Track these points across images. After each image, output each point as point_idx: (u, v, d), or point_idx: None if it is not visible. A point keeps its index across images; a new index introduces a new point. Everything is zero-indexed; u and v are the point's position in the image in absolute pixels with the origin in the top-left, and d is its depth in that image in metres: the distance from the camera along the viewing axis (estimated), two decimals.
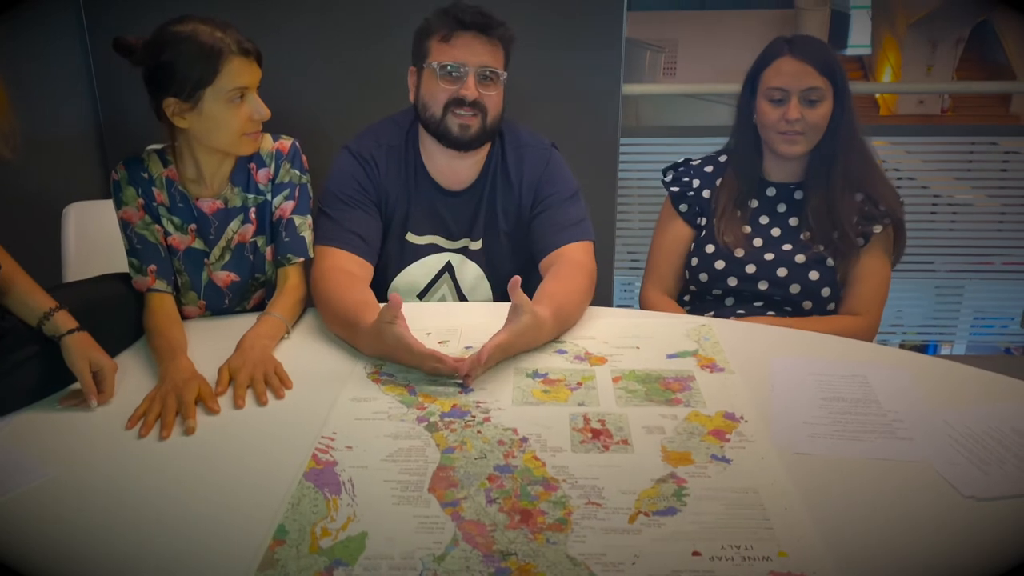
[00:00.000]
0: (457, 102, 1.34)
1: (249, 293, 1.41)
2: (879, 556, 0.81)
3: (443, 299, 1.52)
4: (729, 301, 1.50)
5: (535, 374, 1.17)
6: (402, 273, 1.49)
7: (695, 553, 0.81)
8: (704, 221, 1.52)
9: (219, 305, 1.39)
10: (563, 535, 0.84)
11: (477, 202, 1.47)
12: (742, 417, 1.06)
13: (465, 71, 1.34)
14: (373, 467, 0.96)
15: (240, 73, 1.21)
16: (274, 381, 1.14)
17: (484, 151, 1.44)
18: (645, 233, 2.60)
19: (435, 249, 1.49)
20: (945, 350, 3.64)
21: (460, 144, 1.37)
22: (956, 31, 6.61)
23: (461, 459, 0.97)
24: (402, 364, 1.17)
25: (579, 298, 1.33)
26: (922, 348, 3.38)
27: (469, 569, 0.79)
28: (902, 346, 2.91)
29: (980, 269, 2.74)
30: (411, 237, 1.47)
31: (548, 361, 1.22)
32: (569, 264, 1.37)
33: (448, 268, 1.50)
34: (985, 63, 6.79)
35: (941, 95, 6.72)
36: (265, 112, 1.25)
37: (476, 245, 1.50)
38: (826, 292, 1.46)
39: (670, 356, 1.23)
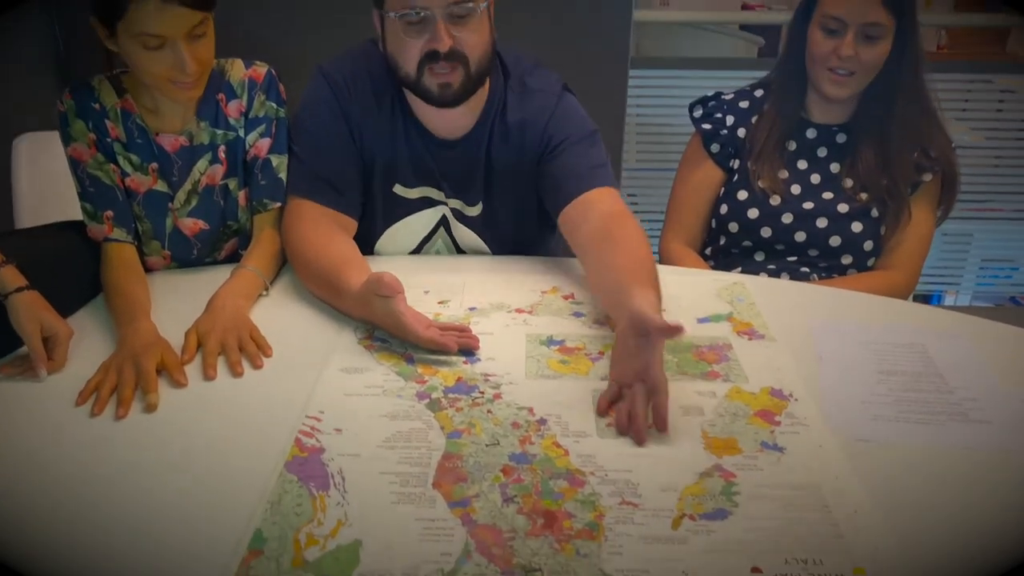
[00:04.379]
0: (431, 56, 1.07)
1: (220, 243, 1.24)
2: (969, 571, 0.68)
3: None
4: (759, 256, 1.35)
5: (550, 341, 1.03)
6: (390, 230, 1.28)
7: (755, 570, 0.68)
8: (737, 164, 1.36)
9: (186, 256, 1.23)
10: (596, 544, 0.70)
11: (474, 156, 1.21)
12: (791, 395, 0.92)
13: (429, 14, 1.04)
14: (367, 455, 0.81)
15: (155, 21, 1.00)
16: (250, 347, 0.99)
17: (481, 95, 1.18)
18: (645, 174, 2.45)
19: (428, 203, 1.26)
20: (949, 299, 3.54)
21: (445, 103, 1.12)
22: None
23: (470, 446, 0.83)
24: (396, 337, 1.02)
25: (652, 260, 1.05)
26: (926, 298, 3.28)
27: None
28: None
29: (987, 217, 2.62)
30: (400, 190, 1.24)
31: (564, 325, 1.07)
32: (612, 220, 1.10)
33: (444, 223, 1.28)
34: None
35: (938, 30, 6.49)
36: (190, 67, 1.04)
37: (474, 211, 1.26)
38: (868, 246, 1.31)
39: (701, 320, 1.09)
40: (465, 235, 1.28)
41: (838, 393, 0.93)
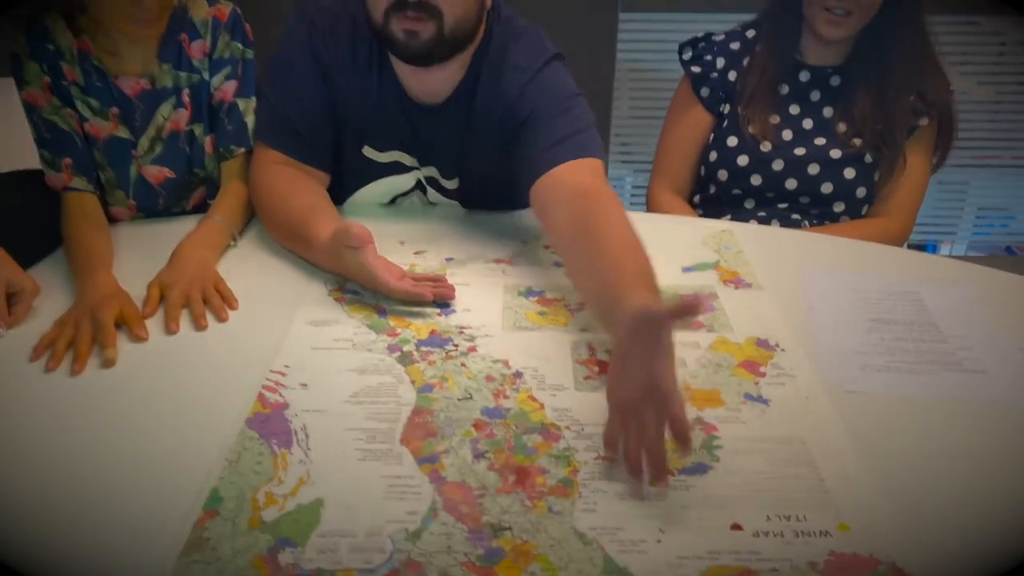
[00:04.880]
0: (399, 4, 0.96)
1: (187, 192, 1.19)
2: (958, 527, 0.65)
3: None
4: (749, 203, 1.31)
5: (528, 292, 0.99)
6: (361, 191, 1.18)
7: (735, 527, 0.65)
8: (727, 109, 1.30)
9: (152, 206, 1.18)
10: (569, 502, 0.67)
11: (451, 126, 1.10)
12: (777, 345, 0.88)
13: None
14: (333, 411, 0.78)
15: None
16: (215, 300, 0.94)
17: (463, 60, 1.06)
18: (638, 122, 2.39)
19: (400, 169, 1.17)
20: (945, 249, 3.51)
21: (411, 57, 1.01)
22: None
23: (441, 400, 0.79)
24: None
25: (644, 254, 0.86)
26: (921, 247, 3.25)
27: (451, 550, 0.62)
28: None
29: (983, 165, 2.57)
30: (369, 152, 1.14)
31: (543, 276, 1.02)
32: (586, 206, 0.93)
33: (420, 187, 1.19)
34: None
35: None
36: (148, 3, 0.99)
37: (451, 184, 1.18)
38: (862, 192, 1.27)
39: (687, 269, 1.05)
40: (442, 203, 1.21)
41: (828, 343, 0.89)
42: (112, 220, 1.14)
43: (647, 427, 0.67)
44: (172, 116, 1.12)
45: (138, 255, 1.05)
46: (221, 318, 0.93)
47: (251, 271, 1.03)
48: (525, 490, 0.68)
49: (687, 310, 0.67)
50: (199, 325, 0.91)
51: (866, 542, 0.63)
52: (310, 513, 0.66)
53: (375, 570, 0.61)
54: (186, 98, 1.12)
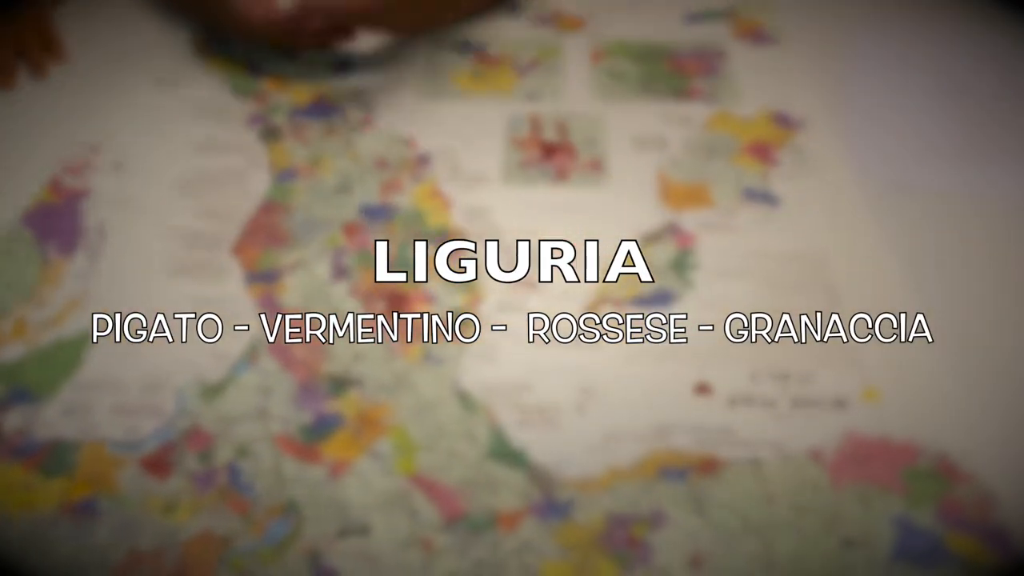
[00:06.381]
0: None
1: None
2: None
3: None
4: None
5: (465, 46, 0.71)
6: None
7: (701, 388, 0.42)
8: None
9: None
10: (456, 348, 0.45)
11: None
12: (801, 122, 0.62)
13: None
14: (149, 203, 0.55)
15: None
16: (33, 53, 0.69)
17: None
18: None
19: None
20: None
21: None
22: None
23: (306, 193, 0.55)
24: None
25: None
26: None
27: (263, 415, 0.41)
28: None
29: None
30: None
31: (492, 26, 0.74)
32: None
33: None
34: None
35: None
36: None
37: None
38: None
39: (691, 19, 0.75)
40: None
41: (873, 121, 0.62)
42: None
43: None
44: None
45: None
46: (38, 74, 0.67)
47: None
48: (396, 326, 0.46)
49: None
50: (4, 86, 0.66)
51: (904, 419, 0.41)
52: (68, 353, 0.44)
53: (139, 443, 0.40)
54: None
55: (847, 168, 0.58)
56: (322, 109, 0.63)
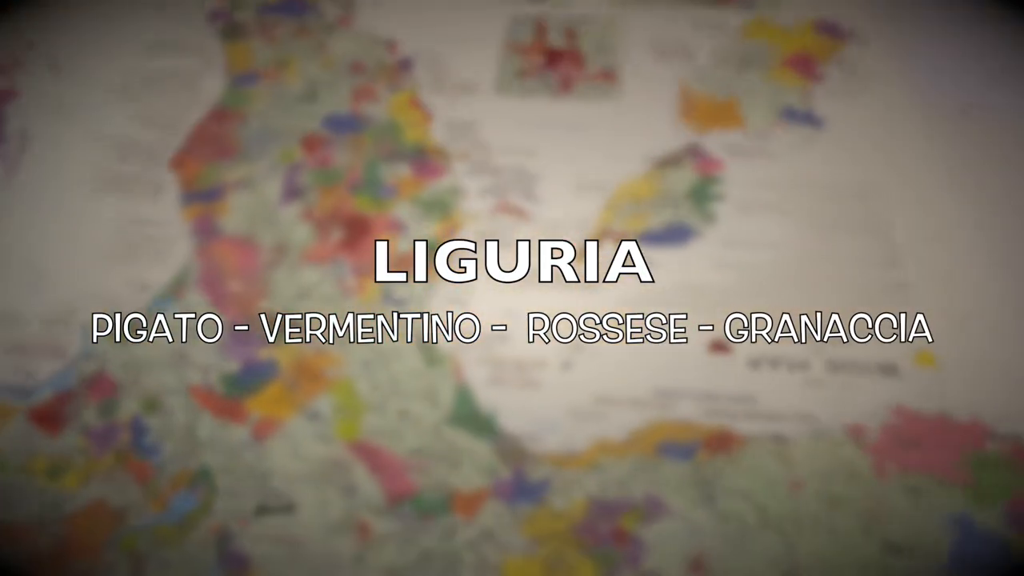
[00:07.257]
0: None
1: None
2: None
3: None
4: None
5: None
6: None
7: (716, 347, 0.35)
8: None
9: None
10: (424, 287, 0.37)
11: None
12: (852, 32, 0.52)
13: None
14: (83, 107, 0.47)
15: None
16: None
17: None
18: None
19: None
20: None
21: None
22: None
23: (265, 98, 0.47)
24: None
25: None
26: None
27: (182, 361, 0.34)
28: None
29: None
30: None
31: None
32: None
33: None
34: None
35: None
36: None
37: None
38: None
39: None
40: None
41: (936, 34, 0.53)
42: None
43: None
44: None
45: None
46: None
47: None
48: (353, 259, 0.38)
49: None
50: None
51: (966, 393, 0.33)
52: None
53: (31, 391, 0.33)
54: None
55: (904, 87, 0.48)
56: (295, 5, 0.55)
